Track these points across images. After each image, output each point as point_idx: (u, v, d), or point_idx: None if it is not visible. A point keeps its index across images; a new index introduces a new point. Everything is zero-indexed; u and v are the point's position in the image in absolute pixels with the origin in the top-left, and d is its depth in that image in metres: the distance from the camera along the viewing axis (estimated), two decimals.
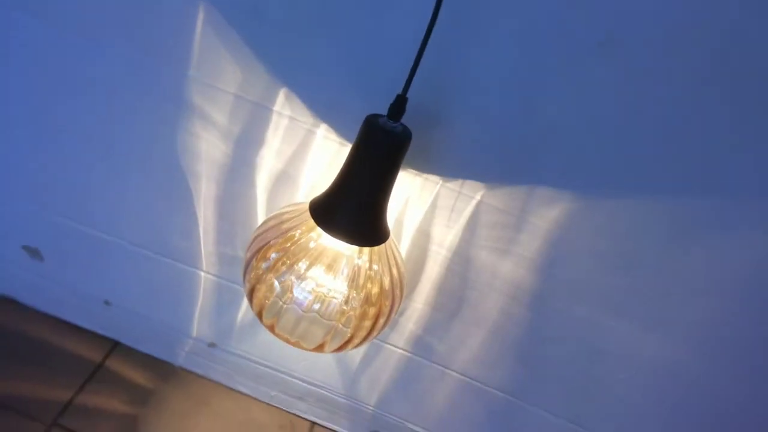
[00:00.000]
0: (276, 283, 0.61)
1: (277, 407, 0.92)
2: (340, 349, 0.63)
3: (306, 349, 0.63)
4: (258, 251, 0.62)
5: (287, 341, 0.63)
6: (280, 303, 0.62)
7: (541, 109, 0.59)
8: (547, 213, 0.65)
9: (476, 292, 0.74)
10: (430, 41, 0.51)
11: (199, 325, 0.86)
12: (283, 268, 0.61)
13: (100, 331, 0.91)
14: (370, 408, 0.89)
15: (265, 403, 0.92)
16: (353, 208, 0.56)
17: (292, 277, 0.61)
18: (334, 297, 0.61)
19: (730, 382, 0.73)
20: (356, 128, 0.64)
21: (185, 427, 0.84)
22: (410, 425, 0.90)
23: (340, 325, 0.61)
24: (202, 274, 0.80)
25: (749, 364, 0.71)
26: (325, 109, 0.65)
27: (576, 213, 0.65)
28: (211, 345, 0.88)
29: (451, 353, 0.80)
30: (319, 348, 0.63)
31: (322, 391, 0.89)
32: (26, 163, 0.77)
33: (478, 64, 0.58)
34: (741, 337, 0.69)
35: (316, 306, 0.61)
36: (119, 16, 0.63)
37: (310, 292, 0.61)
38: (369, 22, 0.58)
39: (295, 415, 0.92)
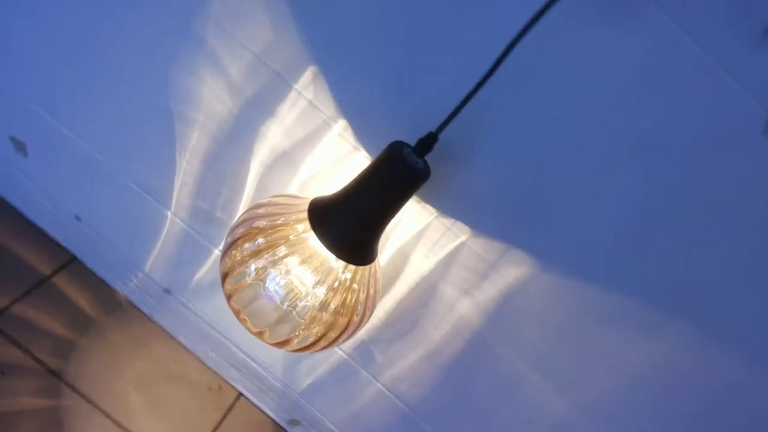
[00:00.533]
0: (253, 268, 0.61)
1: (211, 368, 0.93)
2: (302, 350, 0.64)
3: (268, 342, 0.63)
4: (247, 231, 0.62)
5: (250, 330, 0.63)
6: (255, 291, 0.62)
7: (552, 186, 0.61)
8: (514, 270, 0.67)
9: (430, 320, 0.75)
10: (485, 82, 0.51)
11: (155, 265, 0.86)
12: (267, 257, 0.61)
13: (62, 242, 0.90)
14: (297, 395, 0.90)
15: (201, 361, 0.92)
16: (352, 226, 0.56)
17: (274, 269, 0.61)
18: (310, 299, 0.62)
19: None
20: (375, 138, 0.65)
21: (117, 363, 0.84)
22: (328, 422, 0.91)
23: (310, 329, 0.62)
24: (170, 215, 0.80)
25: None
26: (349, 108, 0.65)
27: (537, 280, 0.67)
28: (167, 291, 0.88)
29: (385, 367, 0.82)
30: (283, 344, 0.63)
31: (258, 368, 0.90)
32: (32, 58, 0.76)
33: (510, 125, 0.59)
34: (629, 418, 0.74)
35: (290, 303, 0.62)
36: None
37: (287, 288, 0.61)
38: (427, 42, 0.58)
39: (225, 381, 0.93)
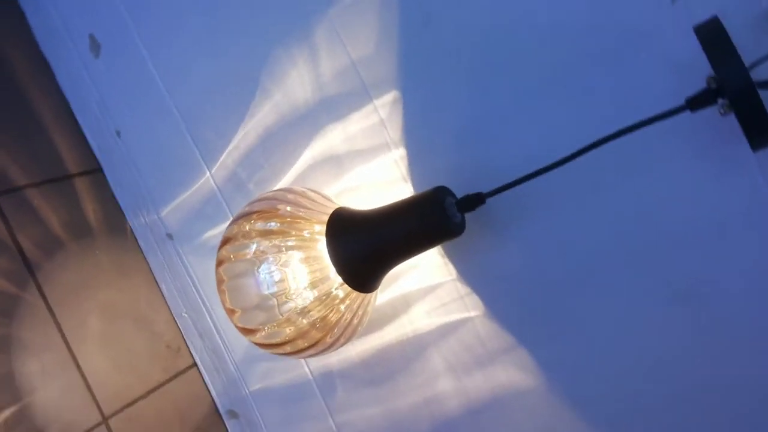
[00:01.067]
0: (255, 246, 0.59)
1: (179, 327, 0.90)
2: (265, 345, 0.61)
3: (236, 324, 0.60)
4: (268, 209, 0.60)
5: (225, 304, 0.60)
6: (247, 269, 0.59)
7: (580, 304, 0.57)
8: (511, 372, 0.64)
9: (406, 381, 0.71)
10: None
11: (172, 212, 0.84)
12: (275, 242, 0.58)
13: (96, 150, 0.89)
14: (247, 391, 0.87)
15: (172, 316, 0.90)
16: (364, 249, 0.53)
17: (274, 256, 0.58)
18: (296, 300, 0.59)
19: None
20: (426, 177, 0.62)
21: (92, 282, 0.82)
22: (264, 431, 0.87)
23: (282, 328, 0.59)
24: (208, 174, 0.78)
25: None
26: (415, 140, 0.63)
27: (530, 393, 0.63)
28: (169, 236, 0.86)
29: (344, 407, 0.77)
30: (249, 332, 0.60)
31: (222, 346, 0.87)
32: None
33: (560, 221, 0.56)
34: None
35: (276, 295, 0.59)
36: None
37: (279, 279, 0.59)
38: (515, 109, 0.56)
39: (188, 346, 0.90)
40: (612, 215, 0.54)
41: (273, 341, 0.60)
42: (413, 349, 0.69)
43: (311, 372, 0.79)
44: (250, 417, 0.88)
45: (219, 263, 0.60)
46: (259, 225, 0.60)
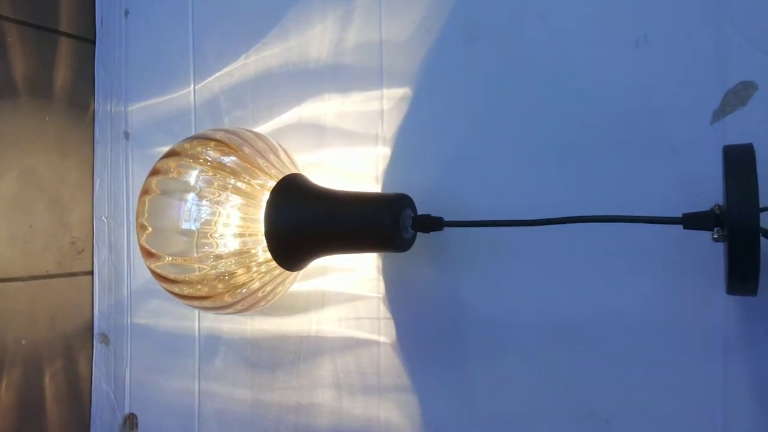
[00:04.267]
0: (197, 173, 0.54)
1: (93, 230, 0.84)
2: (161, 278, 0.55)
3: (139, 242, 0.55)
4: (227, 143, 0.56)
5: (138, 216, 0.55)
6: (182, 189, 0.54)
7: (493, 368, 0.53)
8: (392, 413, 0.59)
9: (286, 379, 0.66)
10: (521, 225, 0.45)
11: (138, 113, 0.79)
12: (221, 177, 0.54)
13: (97, 22, 0.84)
14: (128, 321, 0.80)
15: (92, 215, 0.84)
16: (303, 226, 0.49)
17: (214, 190, 0.54)
18: (216, 242, 0.54)
19: None
20: (398, 186, 0.58)
21: (23, 142, 0.76)
22: (128, 369, 0.81)
23: (186, 266, 0.54)
24: (191, 89, 0.73)
25: None
26: (404, 145, 0.59)
27: None
28: (125, 134, 0.80)
29: (215, 377, 0.72)
30: (150, 255, 0.55)
31: (126, 268, 0.81)
32: None
33: (516, 289, 0.52)
34: None
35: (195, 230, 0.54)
36: None
37: (209, 215, 0.54)
38: (514, 159, 0.54)
39: (92, 251, 0.84)
40: (561, 297, 0.50)
41: (171, 275, 0.55)
42: (306, 350, 0.64)
43: (199, 329, 0.73)
44: (119, 348, 0.82)
45: (154, 172, 0.55)
46: (214, 154, 0.55)
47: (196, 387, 0.73)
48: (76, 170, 0.82)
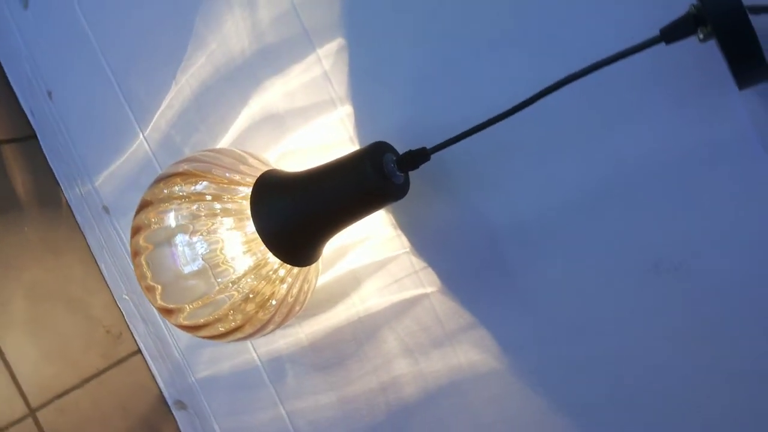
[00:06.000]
0: (177, 213, 0.52)
1: (121, 310, 0.82)
2: (192, 328, 0.53)
3: (156, 304, 0.53)
4: (193, 171, 0.53)
5: (141, 280, 0.53)
6: (169, 235, 0.52)
7: (542, 271, 0.50)
8: (471, 354, 0.57)
9: (359, 366, 0.64)
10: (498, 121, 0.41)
11: (107, 182, 0.76)
12: (202, 206, 0.51)
13: (29, 115, 0.81)
14: (193, 379, 0.80)
15: (113, 298, 0.82)
16: (295, 219, 0.46)
17: (201, 223, 0.51)
18: (226, 270, 0.52)
19: None
20: (375, 136, 0.54)
21: (19, 262, 0.74)
22: (214, 422, 0.80)
23: (214, 301, 0.52)
24: (142, 138, 0.71)
25: None
26: (362, 96, 0.55)
27: (496, 380, 0.56)
28: (105, 209, 0.78)
29: (295, 394, 0.70)
30: (169, 313, 0.53)
31: (167, 332, 0.80)
32: None
33: (525, 175, 0.49)
34: None
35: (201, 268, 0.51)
36: None
37: (208, 247, 0.52)
38: (468, 60, 0.49)
39: (131, 331, 0.83)
40: (579, 168, 0.47)
41: (201, 321, 0.53)
42: (366, 331, 0.62)
43: (259, 357, 0.72)
44: (198, 407, 0.81)
45: (135, 231, 0.53)
46: (186, 187, 0.53)
47: (282, 411, 0.72)
48: (76, 264, 0.80)
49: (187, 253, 0.52)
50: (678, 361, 0.48)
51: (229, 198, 0.52)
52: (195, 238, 0.52)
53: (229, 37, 0.60)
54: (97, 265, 0.82)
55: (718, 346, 0.46)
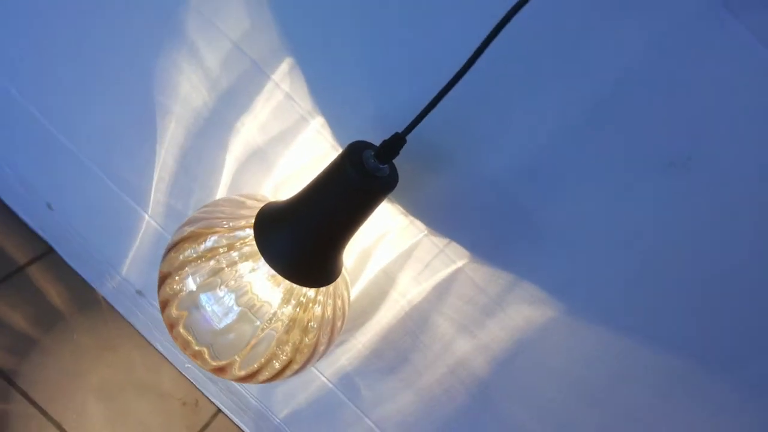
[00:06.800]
0: (197, 275, 0.52)
1: (188, 380, 0.84)
2: (248, 377, 0.54)
3: (206, 367, 0.54)
4: (197, 230, 0.54)
5: (186, 348, 0.54)
6: (197, 298, 0.53)
7: (561, 202, 0.49)
8: (526, 311, 0.56)
9: (422, 357, 0.64)
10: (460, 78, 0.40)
11: (131, 267, 0.78)
12: (225, 257, 0.52)
13: (38, 231, 0.84)
14: (278, 420, 0.81)
15: (177, 370, 0.84)
16: (299, 243, 0.46)
17: (223, 276, 0.52)
18: (270, 303, 0.52)
19: None
20: (355, 135, 0.54)
21: (79, 368, 0.77)
22: None
23: (260, 345, 0.53)
24: (147, 218, 0.72)
25: None
26: (328, 103, 0.55)
27: (556, 324, 0.55)
28: (139, 293, 0.80)
29: (374, 402, 0.71)
30: (222, 371, 0.54)
31: (236, 385, 0.81)
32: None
33: (512, 122, 0.47)
34: None
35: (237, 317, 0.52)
36: None
37: (239, 295, 0.52)
38: (412, 35, 0.48)
39: (204, 394, 0.84)
40: (561, 92, 0.45)
41: (255, 366, 0.54)
42: (415, 322, 0.62)
43: (329, 380, 0.73)
44: None
45: (164, 305, 0.54)
46: (198, 248, 0.53)
47: (369, 422, 0.73)
48: (133, 351, 0.82)
49: (217, 309, 0.52)
50: (716, 246, 0.46)
51: (241, 243, 0.52)
52: (222, 291, 0.52)
53: (188, 96, 0.60)
54: (152, 345, 0.84)
55: (747, 227, 0.45)
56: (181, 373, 0.84)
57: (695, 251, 0.47)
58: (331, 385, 0.73)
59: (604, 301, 0.53)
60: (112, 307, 0.84)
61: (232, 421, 0.85)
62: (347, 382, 0.71)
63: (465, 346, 0.61)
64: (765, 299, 0.47)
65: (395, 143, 0.42)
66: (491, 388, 0.62)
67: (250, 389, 0.80)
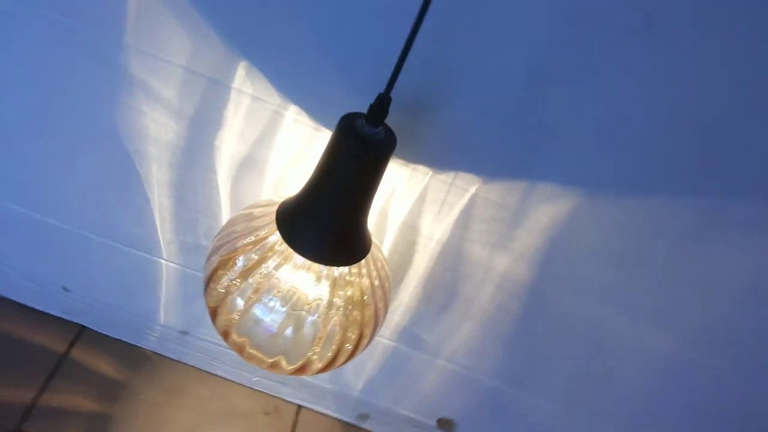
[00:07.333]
0: (242, 295, 0.54)
1: (261, 391, 0.87)
2: (328, 366, 0.56)
3: (287, 373, 0.56)
4: (224, 257, 0.55)
5: (262, 364, 0.55)
6: (252, 316, 0.54)
7: (551, 97, 0.50)
8: (547, 209, 0.58)
9: (469, 286, 0.66)
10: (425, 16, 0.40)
11: (167, 313, 0.79)
12: (256, 276, 0.53)
13: (63, 316, 0.84)
14: (356, 393, 0.84)
15: (248, 387, 0.87)
16: (323, 226, 0.47)
17: (266, 287, 0.53)
18: (316, 306, 0.54)
19: (738, 383, 0.68)
20: (334, 113, 0.54)
21: (161, 420, 0.79)
22: (399, 410, 0.85)
23: (328, 336, 0.54)
24: (164, 262, 0.73)
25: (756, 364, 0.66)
26: (294, 89, 0.55)
27: (579, 210, 0.58)
28: (183, 333, 0.81)
29: (440, 344, 0.74)
30: (303, 370, 0.56)
31: (308, 378, 0.84)
32: None
33: (478, 40, 0.48)
34: (750, 338, 0.64)
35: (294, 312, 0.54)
36: None
37: (289, 300, 0.54)
38: None
39: (280, 398, 0.87)
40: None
41: (330, 354, 0.56)
42: (450, 258, 0.64)
43: (390, 340, 0.75)
44: (378, 408, 0.86)
45: (225, 335, 0.55)
46: (231, 273, 0.54)
47: (441, 362, 0.76)
48: (199, 387, 0.85)
49: (275, 318, 0.54)
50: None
51: (271, 251, 0.53)
52: (272, 302, 0.54)
53: (158, 134, 0.60)
54: (214, 374, 0.86)
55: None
56: (252, 388, 0.87)
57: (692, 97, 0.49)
58: (394, 344, 0.76)
59: (618, 175, 0.54)
60: (163, 356, 0.85)
61: (316, 412, 0.88)
62: (407, 335, 0.74)
63: (503, 262, 0.63)
64: None
65: (382, 104, 0.43)
66: (539, 288, 0.65)
67: (321, 376, 0.83)
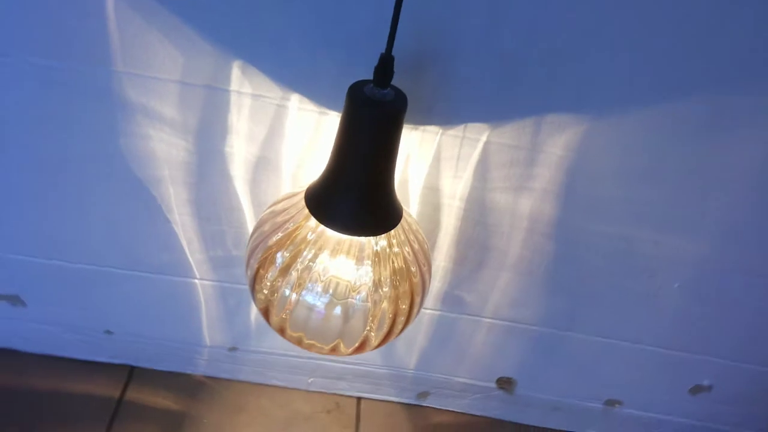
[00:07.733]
0: (288, 290, 0.54)
1: (318, 392, 0.88)
2: (383, 341, 0.57)
3: (345, 353, 0.56)
4: (264, 257, 0.55)
5: (322, 351, 0.56)
6: (303, 306, 0.55)
7: (542, 27, 0.51)
8: (559, 139, 0.59)
9: (499, 236, 0.67)
10: None
11: (211, 333, 0.80)
12: (297, 268, 0.54)
13: (111, 360, 0.85)
14: (412, 371, 0.85)
15: (304, 390, 0.87)
16: (354, 197, 0.48)
17: (309, 277, 0.54)
18: (361, 286, 0.55)
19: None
20: (336, 92, 0.56)
21: None
22: (457, 378, 0.86)
23: (378, 315, 0.55)
24: (198, 282, 0.73)
25: None
26: (292, 78, 0.56)
27: (589, 134, 0.58)
28: (232, 349, 0.82)
29: (483, 302, 0.75)
30: (362, 347, 0.56)
31: (359, 367, 0.84)
32: None
33: None
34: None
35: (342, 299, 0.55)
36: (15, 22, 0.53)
37: (333, 286, 0.55)
38: None
39: (338, 395, 0.88)
40: None
41: (386, 328, 0.57)
42: (476, 212, 0.65)
43: (433, 309, 0.76)
44: (436, 382, 0.86)
45: (281, 331, 0.56)
46: (275, 272, 0.55)
47: (487, 320, 0.76)
48: (260, 399, 0.85)
49: (326, 305, 0.54)
50: None
51: (304, 242, 0.54)
52: (317, 291, 0.54)
53: (168, 154, 0.61)
54: (270, 384, 0.87)
55: None
56: (309, 390, 0.87)
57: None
58: (438, 312, 0.76)
59: (621, 89, 0.55)
60: (215, 378, 0.86)
61: (376, 400, 0.89)
62: (449, 299, 0.75)
63: (528, 203, 0.64)
64: None
65: (386, 64, 0.43)
66: (569, 222, 0.65)
67: (373, 362, 0.83)
